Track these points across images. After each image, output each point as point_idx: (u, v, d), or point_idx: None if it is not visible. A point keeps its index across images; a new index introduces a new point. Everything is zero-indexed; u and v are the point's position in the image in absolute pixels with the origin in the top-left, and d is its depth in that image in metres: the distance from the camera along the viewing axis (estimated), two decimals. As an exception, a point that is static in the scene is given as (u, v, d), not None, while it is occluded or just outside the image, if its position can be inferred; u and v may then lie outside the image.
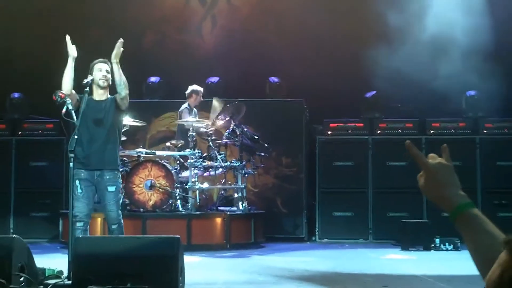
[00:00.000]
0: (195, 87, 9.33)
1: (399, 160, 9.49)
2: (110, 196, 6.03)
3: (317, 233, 9.73)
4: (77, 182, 5.91)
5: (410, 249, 8.39)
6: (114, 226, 6.06)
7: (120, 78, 6.04)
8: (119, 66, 6.01)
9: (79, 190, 5.94)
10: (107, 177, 6.04)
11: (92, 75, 6.12)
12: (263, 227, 9.17)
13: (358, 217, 9.65)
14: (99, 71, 6.13)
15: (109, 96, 6.22)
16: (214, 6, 11.26)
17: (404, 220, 8.81)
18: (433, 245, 8.37)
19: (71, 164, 5.58)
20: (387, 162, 9.70)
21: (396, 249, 8.58)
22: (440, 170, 1.77)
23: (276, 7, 10.94)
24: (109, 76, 6.15)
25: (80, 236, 5.70)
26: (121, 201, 7.18)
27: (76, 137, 5.63)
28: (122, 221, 6.14)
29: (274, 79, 10.28)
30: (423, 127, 9.93)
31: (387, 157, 9.69)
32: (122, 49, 6.00)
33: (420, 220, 8.99)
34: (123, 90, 6.08)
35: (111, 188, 6.04)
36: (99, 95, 6.17)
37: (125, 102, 6.18)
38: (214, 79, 10.25)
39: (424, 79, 9.25)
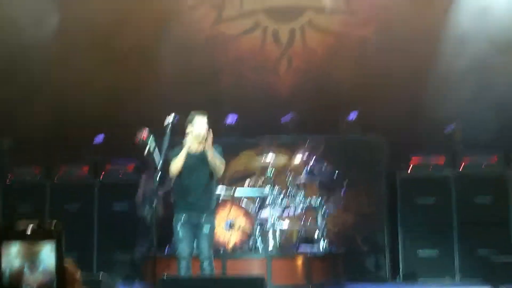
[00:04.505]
0: None
1: (484, 195, 9.18)
2: (205, 235, 6.52)
3: (400, 272, 9.45)
4: (179, 225, 6.50)
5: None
6: (205, 264, 6.49)
7: (215, 164, 6.53)
8: (212, 152, 6.50)
9: (181, 233, 6.49)
10: (204, 218, 6.55)
11: (192, 126, 6.52)
12: (344, 266, 8.98)
13: (443, 256, 9.34)
14: (200, 125, 6.52)
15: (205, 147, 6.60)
16: (290, 47, 11.33)
17: (493, 257, 8.45)
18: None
19: (155, 203, 5.87)
20: (472, 198, 9.40)
21: (485, 288, 8.23)
22: None
23: (352, 46, 10.91)
24: (207, 129, 6.59)
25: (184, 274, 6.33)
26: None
27: (159, 176, 5.99)
28: (213, 259, 6.54)
29: (351, 116, 10.19)
30: (508, 161, 9.60)
31: (471, 192, 9.40)
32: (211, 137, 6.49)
33: (510, 257, 8.60)
34: (218, 172, 6.66)
35: (206, 227, 6.53)
36: (197, 145, 6.57)
37: (220, 174, 6.75)
38: (289, 116, 10.25)
39: (506, 109, 9.01)
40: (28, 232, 1.31)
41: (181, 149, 6.59)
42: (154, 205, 6.75)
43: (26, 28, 9.52)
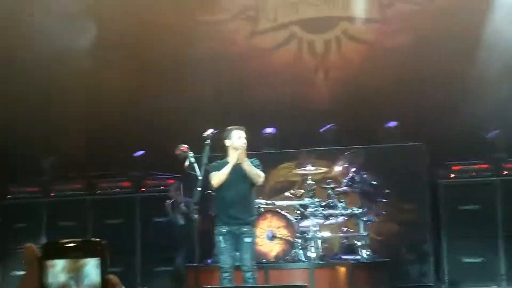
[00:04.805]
0: None
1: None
2: (246, 247, 6.65)
3: (446, 280, 9.33)
4: (220, 237, 6.63)
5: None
6: (248, 275, 6.63)
7: (253, 175, 6.69)
8: (247, 164, 6.65)
9: (223, 245, 6.61)
10: (245, 229, 6.68)
11: (230, 140, 6.68)
12: (388, 275, 8.90)
13: (488, 263, 9.19)
14: (239, 138, 6.69)
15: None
16: (326, 57, 11.32)
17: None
18: None
19: (195, 216, 5.96)
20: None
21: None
22: None
23: (388, 54, 10.86)
24: (246, 142, 6.72)
25: (227, 285, 6.44)
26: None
27: (199, 189, 6.14)
28: (255, 270, 6.71)
29: (391, 123, 10.14)
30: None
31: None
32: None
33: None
34: (258, 181, 6.80)
35: (248, 239, 6.67)
36: (236, 159, 6.70)
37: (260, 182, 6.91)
38: (327, 126, 10.24)
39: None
40: (73, 250, 1.35)
41: (220, 163, 6.69)
42: (195, 217, 6.82)
43: (60, 44, 9.66)
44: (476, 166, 9.66)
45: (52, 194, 10.38)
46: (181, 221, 9.36)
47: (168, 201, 9.50)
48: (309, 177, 8.70)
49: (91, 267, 1.38)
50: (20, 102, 10.27)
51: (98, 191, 10.35)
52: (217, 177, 6.63)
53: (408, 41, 10.77)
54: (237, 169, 6.67)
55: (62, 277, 1.38)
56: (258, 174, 6.69)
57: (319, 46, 11.25)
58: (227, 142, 6.73)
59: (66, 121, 10.18)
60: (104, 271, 1.39)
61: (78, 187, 10.40)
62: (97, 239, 1.44)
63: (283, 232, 8.38)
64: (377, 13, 11.10)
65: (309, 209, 8.54)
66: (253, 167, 6.68)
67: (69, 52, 9.72)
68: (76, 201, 10.25)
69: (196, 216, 6.68)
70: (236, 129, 6.75)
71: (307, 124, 10.32)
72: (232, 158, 6.66)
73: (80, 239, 1.43)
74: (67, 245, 1.40)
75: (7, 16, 9.99)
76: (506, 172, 9.52)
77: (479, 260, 9.25)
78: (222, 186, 6.67)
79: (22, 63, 10.04)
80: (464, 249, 9.31)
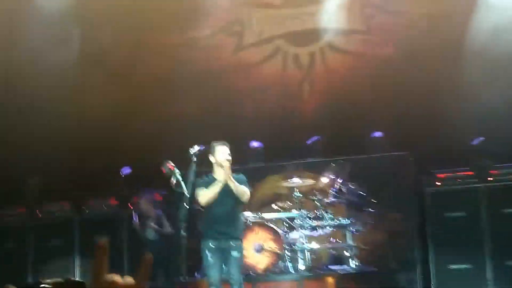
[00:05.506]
0: None
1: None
2: (234, 261, 6.73)
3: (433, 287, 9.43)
4: (208, 251, 6.70)
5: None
6: None
7: (239, 192, 6.72)
8: (233, 184, 6.68)
9: (211, 259, 6.68)
10: (233, 244, 6.75)
11: (214, 156, 6.73)
12: (377, 284, 8.98)
13: (475, 269, 9.27)
14: (222, 154, 6.75)
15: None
16: (311, 70, 11.42)
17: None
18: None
19: (182, 232, 6.06)
20: (503, 210, 9.34)
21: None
22: None
23: (372, 65, 10.97)
24: (230, 158, 6.74)
25: None
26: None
27: (187, 207, 6.21)
28: (243, 283, 6.81)
29: (376, 134, 10.25)
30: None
31: (502, 204, 9.34)
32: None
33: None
34: (244, 199, 6.84)
35: (236, 254, 6.75)
36: (222, 175, 6.74)
37: (246, 200, 6.93)
38: (314, 138, 10.34)
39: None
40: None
41: (207, 180, 6.75)
42: (182, 232, 6.91)
43: (44, 62, 9.72)
44: (462, 173, 9.75)
45: (38, 214, 10.42)
46: (151, 236, 9.34)
47: (135, 216, 9.48)
48: (296, 189, 8.80)
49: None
50: (3, 121, 10.32)
51: (85, 210, 10.40)
52: (206, 196, 6.69)
53: (392, 52, 10.90)
54: (224, 186, 6.75)
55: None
56: (244, 192, 6.77)
57: (304, 58, 11.36)
58: (211, 159, 6.82)
59: (51, 142, 10.23)
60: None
61: (65, 207, 10.45)
62: (79, 280, 1.44)
63: (271, 245, 8.46)
64: (362, 24, 11.22)
65: (297, 221, 8.63)
66: (239, 186, 6.74)
67: (52, 71, 9.77)
68: (63, 221, 10.29)
69: (183, 233, 6.76)
70: (219, 144, 6.82)
71: (294, 136, 10.42)
72: (219, 176, 6.72)
73: (60, 280, 1.43)
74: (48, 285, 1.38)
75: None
76: (491, 179, 9.62)
77: (466, 266, 9.33)
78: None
79: (4, 81, 10.10)
80: (450, 256, 9.38)
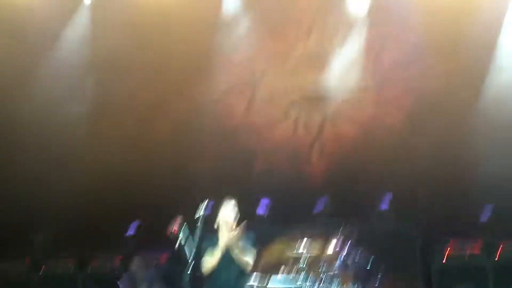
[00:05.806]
0: None
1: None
2: None
3: None
4: None
5: None
6: None
7: (242, 261, 6.49)
8: (237, 251, 6.43)
9: None
10: None
11: (219, 213, 6.50)
12: None
13: None
14: (226, 211, 6.50)
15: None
16: (321, 135, 11.44)
17: None
18: None
19: None
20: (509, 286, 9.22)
21: None
22: None
23: (382, 133, 11.00)
24: (233, 216, 6.51)
25: None
26: None
27: (189, 272, 6.01)
28: None
29: (383, 205, 10.20)
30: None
31: (509, 282, 9.21)
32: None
33: None
34: (246, 268, 6.57)
35: None
36: (227, 234, 6.46)
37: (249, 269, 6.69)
38: (322, 203, 10.29)
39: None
40: None
41: (212, 243, 6.53)
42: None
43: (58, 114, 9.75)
44: (469, 248, 9.65)
45: (43, 271, 10.26)
46: None
47: (125, 277, 9.31)
48: (303, 255, 8.68)
49: None
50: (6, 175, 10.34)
51: (89, 268, 10.26)
52: (209, 264, 6.51)
53: (401, 121, 10.94)
54: (227, 251, 6.54)
55: None
56: (247, 262, 6.61)
57: (314, 124, 11.37)
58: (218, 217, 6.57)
59: (58, 198, 10.20)
60: None
61: (69, 264, 10.29)
62: None
63: (276, 313, 8.29)
64: (372, 94, 11.28)
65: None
66: (242, 256, 6.55)
67: (65, 125, 9.84)
68: (67, 278, 10.15)
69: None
70: (226, 199, 6.61)
71: (303, 200, 10.38)
72: (222, 237, 6.53)
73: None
74: None
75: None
76: (499, 254, 9.50)
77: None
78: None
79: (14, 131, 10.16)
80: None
